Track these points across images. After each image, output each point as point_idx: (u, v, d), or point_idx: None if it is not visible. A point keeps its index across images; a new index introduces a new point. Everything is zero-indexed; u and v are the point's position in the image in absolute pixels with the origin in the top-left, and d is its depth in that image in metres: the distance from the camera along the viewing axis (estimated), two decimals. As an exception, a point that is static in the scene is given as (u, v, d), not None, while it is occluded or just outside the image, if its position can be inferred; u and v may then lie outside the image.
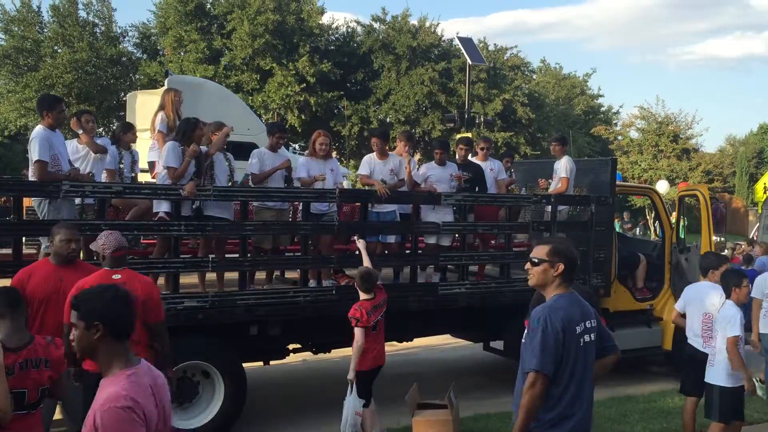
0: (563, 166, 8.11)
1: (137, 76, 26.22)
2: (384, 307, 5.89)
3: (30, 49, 24.31)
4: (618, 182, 9.03)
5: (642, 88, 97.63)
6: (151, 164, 7.10)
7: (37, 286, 4.72)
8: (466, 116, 19.43)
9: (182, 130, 6.34)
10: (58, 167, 5.64)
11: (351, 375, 5.68)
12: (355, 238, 6.72)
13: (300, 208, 6.91)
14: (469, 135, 14.57)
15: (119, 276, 4.66)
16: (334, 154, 7.46)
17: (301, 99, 25.40)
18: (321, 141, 6.93)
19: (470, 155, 8.16)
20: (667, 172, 30.56)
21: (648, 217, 25.88)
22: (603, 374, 3.59)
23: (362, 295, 5.81)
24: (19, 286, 4.66)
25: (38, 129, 5.63)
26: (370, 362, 5.75)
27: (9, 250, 5.68)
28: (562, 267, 3.38)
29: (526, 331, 3.37)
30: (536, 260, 3.43)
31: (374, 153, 7.36)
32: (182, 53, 25.87)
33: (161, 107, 7.02)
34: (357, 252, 6.51)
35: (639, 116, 33.11)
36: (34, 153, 5.51)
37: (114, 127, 19.56)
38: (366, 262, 6.21)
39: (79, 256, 5.14)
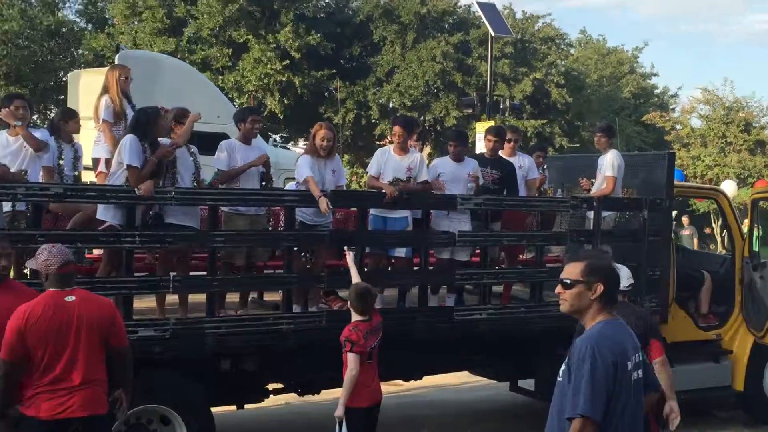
0: (609, 163, 8.08)
1: (81, 52, 26.31)
2: (380, 333, 5.94)
3: (-52, 19, 24.40)
4: (677, 182, 9.03)
5: (706, 65, 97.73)
6: (96, 161, 7.13)
7: None
8: (487, 100, 19.45)
9: (141, 122, 6.32)
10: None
11: (339, 411, 5.69)
12: (346, 249, 6.74)
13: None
14: (495, 123, 14.59)
15: (73, 297, 4.69)
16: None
17: (284, 79, 25.45)
18: (323, 135, 6.88)
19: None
20: (737, 170, 30.58)
21: (714, 226, 25.88)
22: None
23: (356, 317, 5.88)
24: None
25: None
26: (366, 399, 5.78)
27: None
28: (601, 288, 3.40)
29: (564, 367, 3.40)
30: (568, 281, 3.46)
31: (390, 146, 7.36)
32: (136, 23, 25.96)
33: (105, 90, 7.00)
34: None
35: (702, 100, 33.19)
36: None
37: (53, 115, 19.63)
38: (355, 278, 6.26)
39: (9, 274, 5.15)
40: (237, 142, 6.99)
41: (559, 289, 3.49)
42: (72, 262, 4.87)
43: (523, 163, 8.43)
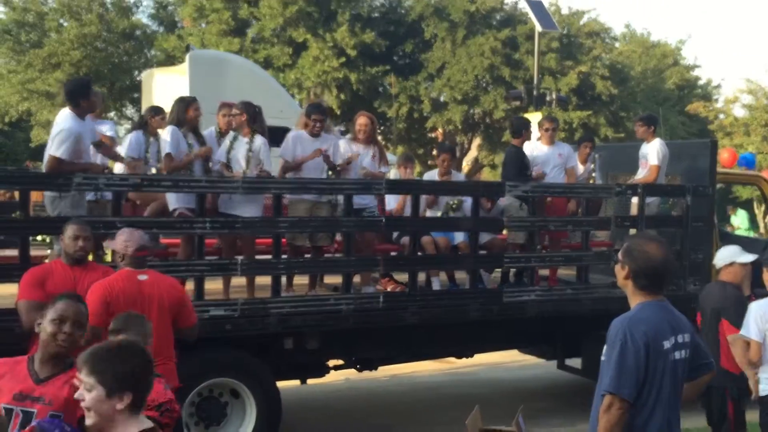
0: (654, 151, 8.06)
1: (153, 52, 26.72)
2: None
3: (33, 23, 24.97)
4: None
5: (748, 56, 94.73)
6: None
7: (56, 287, 4.73)
8: (534, 92, 19.54)
9: (175, 111, 6.58)
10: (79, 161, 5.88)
11: None
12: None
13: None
14: (543, 115, 14.51)
15: (146, 277, 4.81)
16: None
17: (340, 76, 25.47)
18: (362, 123, 7.23)
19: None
20: (780, 157, 29.75)
21: (757, 212, 25.27)
22: (693, 396, 3.60)
23: None
24: (38, 283, 4.82)
25: (66, 116, 5.88)
26: None
27: (14, 251, 5.83)
28: (627, 269, 3.39)
29: (605, 346, 3.34)
30: (616, 259, 3.49)
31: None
32: (203, 24, 26.27)
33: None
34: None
35: (745, 90, 32.27)
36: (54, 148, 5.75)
37: (132, 111, 19.83)
38: None
39: (88, 256, 5.24)
40: (305, 134, 7.02)
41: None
42: (147, 248, 4.97)
43: (562, 152, 8.42)
